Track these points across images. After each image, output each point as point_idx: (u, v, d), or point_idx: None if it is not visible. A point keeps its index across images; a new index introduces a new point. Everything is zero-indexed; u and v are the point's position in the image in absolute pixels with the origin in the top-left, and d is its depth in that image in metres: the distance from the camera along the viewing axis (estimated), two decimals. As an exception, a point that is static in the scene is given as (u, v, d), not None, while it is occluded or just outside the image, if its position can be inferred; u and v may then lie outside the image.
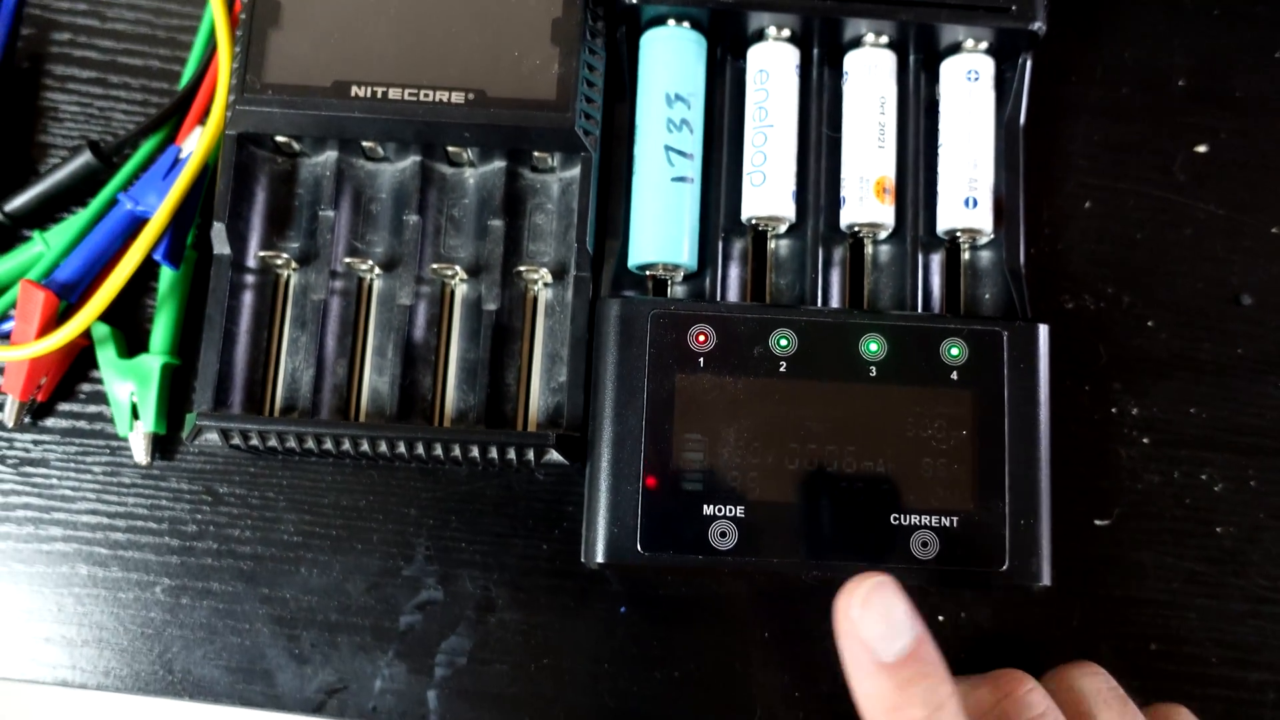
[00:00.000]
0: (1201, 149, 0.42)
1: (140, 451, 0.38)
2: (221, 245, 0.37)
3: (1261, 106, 0.42)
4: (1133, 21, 0.43)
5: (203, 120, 0.40)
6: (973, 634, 0.38)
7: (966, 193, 0.37)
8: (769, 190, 0.37)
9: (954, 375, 0.35)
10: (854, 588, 0.29)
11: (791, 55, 0.38)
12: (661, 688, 0.38)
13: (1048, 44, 0.39)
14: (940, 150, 0.38)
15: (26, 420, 0.39)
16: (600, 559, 0.34)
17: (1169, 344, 0.40)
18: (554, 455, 0.36)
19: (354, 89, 0.36)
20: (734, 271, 0.38)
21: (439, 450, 0.36)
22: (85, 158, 0.39)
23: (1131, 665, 0.38)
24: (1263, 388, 0.40)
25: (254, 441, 0.36)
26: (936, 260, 0.38)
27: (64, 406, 0.39)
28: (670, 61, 0.38)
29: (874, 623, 0.29)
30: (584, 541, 0.35)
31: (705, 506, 0.34)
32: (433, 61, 0.37)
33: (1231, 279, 0.41)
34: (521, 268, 0.38)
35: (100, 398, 0.39)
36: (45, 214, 0.40)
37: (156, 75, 0.42)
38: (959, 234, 0.38)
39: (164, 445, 0.39)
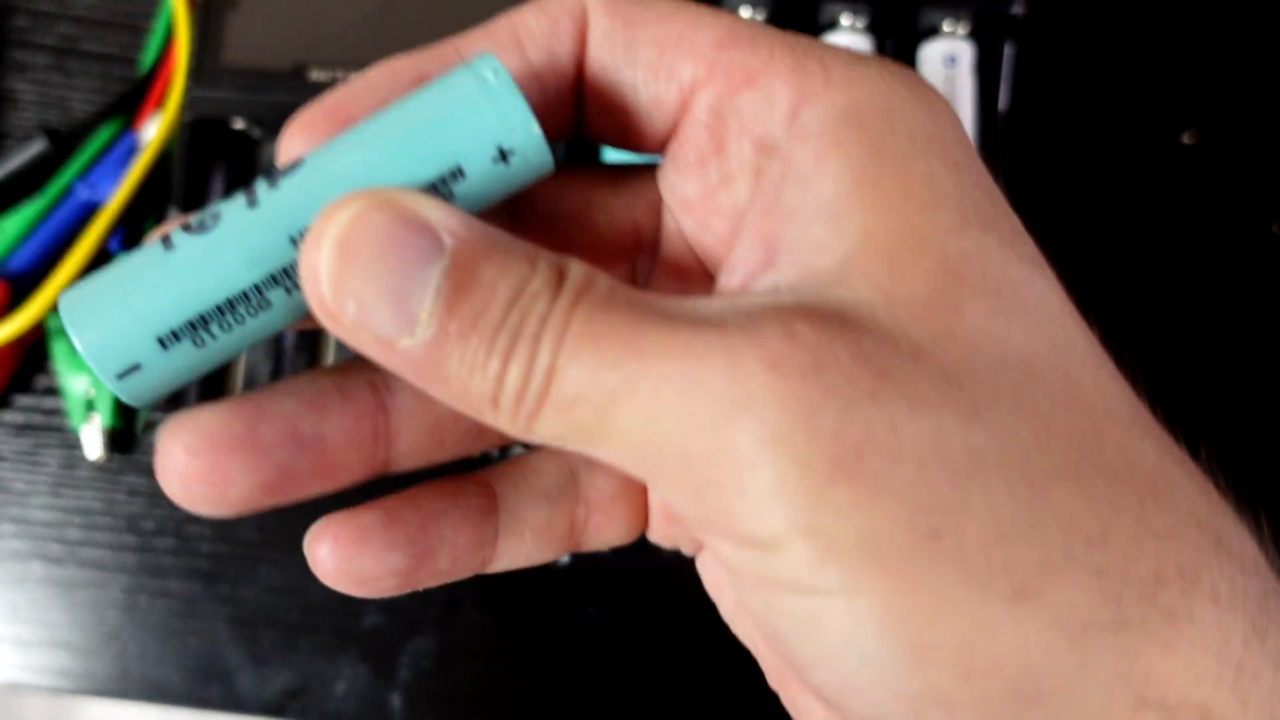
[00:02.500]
0: (1186, 140, 0.41)
1: (95, 446, 0.37)
2: (177, 234, 0.36)
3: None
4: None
5: (160, 106, 0.39)
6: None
7: (945, 181, 0.36)
8: (741, 178, 0.36)
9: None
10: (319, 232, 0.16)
11: (765, 39, 0.37)
12: (629, 689, 0.37)
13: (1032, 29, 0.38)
14: (918, 137, 0.37)
15: (-21, 414, 0.38)
16: (566, 559, 0.33)
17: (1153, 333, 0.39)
18: (519, 450, 0.35)
19: (312, 73, 0.35)
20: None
21: (401, 445, 0.35)
22: (40, 145, 0.38)
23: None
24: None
25: (210, 436, 0.35)
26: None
27: (18, 400, 0.38)
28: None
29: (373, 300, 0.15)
30: (548, 539, 0.34)
31: (672, 503, 0.33)
32: (393, 44, 0.35)
33: (1225, 279, 0.40)
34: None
35: (55, 391, 0.38)
36: (-1, 202, 0.39)
37: (115, 61, 0.41)
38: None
39: (121, 440, 0.38)
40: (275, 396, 0.18)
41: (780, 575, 0.15)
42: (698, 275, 0.20)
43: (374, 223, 0.15)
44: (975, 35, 0.37)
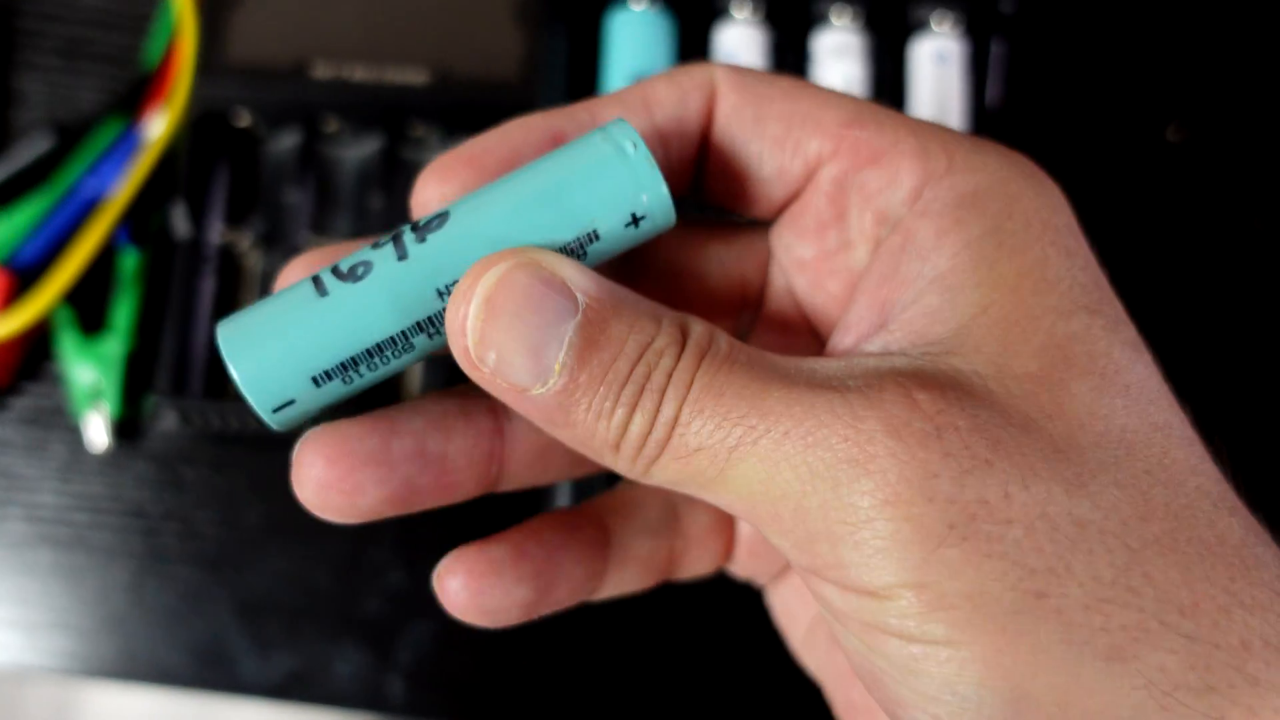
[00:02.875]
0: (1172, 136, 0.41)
1: (101, 435, 0.38)
2: (183, 226, 0.37)
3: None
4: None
5: (165, 101, 0.39)
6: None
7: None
8: (735, 172, 0.37)
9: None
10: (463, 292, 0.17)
11: (759, 36, 0.38)
12: (631, 675, 0.37)
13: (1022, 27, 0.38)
14: (909, 133, 0.38)
15: (-12, 404, 0.39)
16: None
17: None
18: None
19: (316, 68, 0.36)
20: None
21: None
22: (48, 140, 0.39)
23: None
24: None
25: (216, 425, 0.36)
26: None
27: (25, 390, 0.39)
28: (636, 42, 0.38)
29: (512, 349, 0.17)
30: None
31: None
32: (395, 40, 0.36)
33: (1212, 274, 0.40)
34: (486, 250, 0.37)
35: (62, 381, 0.39)
36: (6, 196, 0.40)
37: (121, 58, 0.42)
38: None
39: (127, 430, 0.39)
40: (406, 414, 0.20)
41: (887, 623, 0.16)
42: (801, 332, 0.22)
43: (517, 282, 0.17)
44: (965, 32, 0.38)
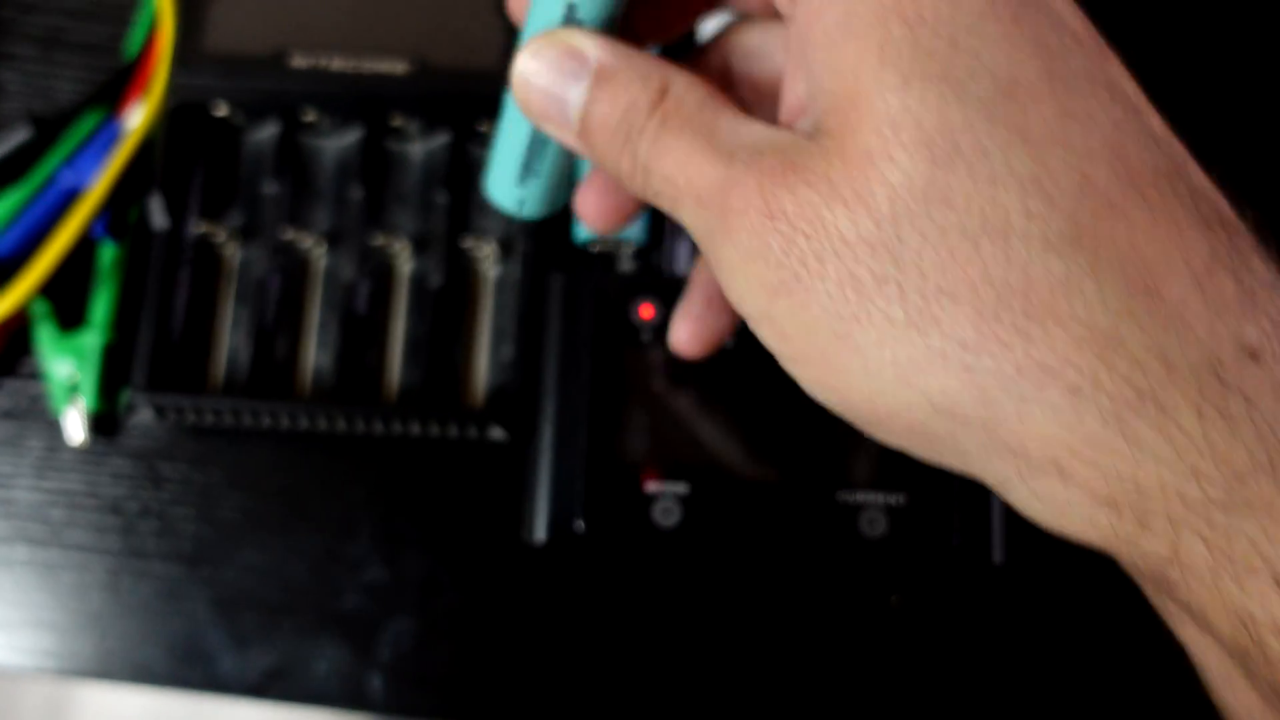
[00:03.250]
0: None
1: (79, 430, 0.37)
2: (159, 218, 0.36)
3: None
4: None
5: (144, 93, 0.39)
6: (925, 614, 0.37)
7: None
8: (718, 163, 0.37)
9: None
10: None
11: (743, 26, 0.38)
12: (610, 670, 0.37)
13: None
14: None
15: (-36, 398, 0.38)
16: (540, 536, 0.33)
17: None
18: (498, 432, 0.35)
19: (294, 59, 0.36)
20: (683, 245, 0.38)
21: (381, 428, 0.35)
22: (25, 132, 0.39)
23: (1084, 645, 0.37)
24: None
25: (192, 419, 0.35)
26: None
27: (1, 385, 0.39)
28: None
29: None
30: (525, 518, 0.34)
31: (648, 483, 0.33)
32: (374, 30, 0.36)
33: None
34: (468, 242, 0.37)
35: (39, 375, 0.39)
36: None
37: (100, 49, 0.41)
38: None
39: (105, 424, 0.38)
40: None
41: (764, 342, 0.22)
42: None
43: (544, 53, 0.22)
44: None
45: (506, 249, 0.37)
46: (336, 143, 0.38)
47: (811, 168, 0.19)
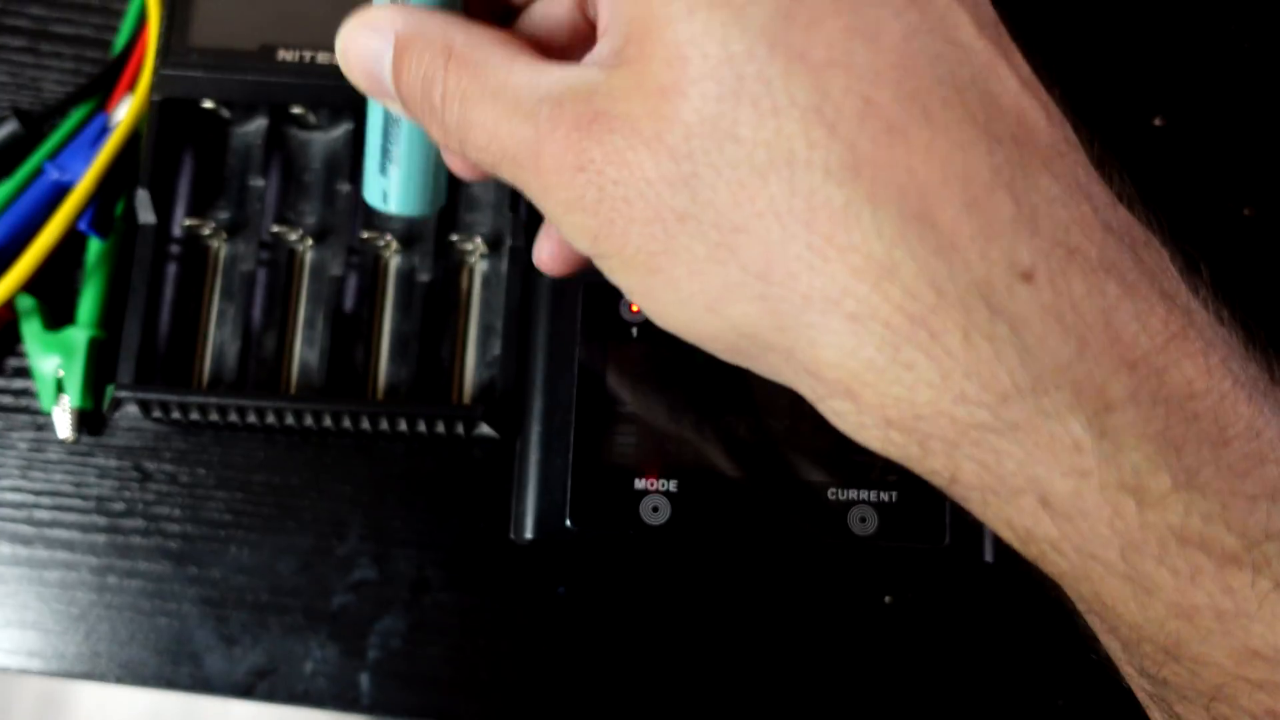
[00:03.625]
0: (1157, 122, 0.41)
1: (65, 427, 0.37)
2: (146, 213, 0.36)
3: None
4: None
5: (133, 88, 0.39)
6: (915, 612, 0.37)
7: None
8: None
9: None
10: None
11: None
12: (600, 669, 0.37)
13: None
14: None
15: (-50, 395, 0.38)
16: (529, 534, 0.33)
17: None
18: (485, 429, 0.35)
19: (281, 53, 0.35)
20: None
21: (369, 425, 0.35)
22: (11, 126, 0.38)
23: (1078, 643, 0.37)
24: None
25: (178, 415, 0.35)
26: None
27: (-12, 381, 0.38)
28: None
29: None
30: (513, 516, 0.34)
31: (637, 480, 0.33)
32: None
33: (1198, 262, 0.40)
34: (456, 238, 0.37)
35: (25, 372, 0.38)
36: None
37: (89, 43, 0.41)
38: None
39: (91, 421, 0.38)
40: None
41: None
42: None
43: (354, 31, 0.23)
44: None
45: (495, 245, 0.37)
46: (324, 137, 0.38)
47: (614, 111, 0.19)
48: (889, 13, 0.18)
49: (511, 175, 0.21)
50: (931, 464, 0.19)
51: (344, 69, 0.23)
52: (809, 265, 0.18)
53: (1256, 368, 0.19)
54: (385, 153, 0.25)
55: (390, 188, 0.25)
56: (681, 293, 0.20)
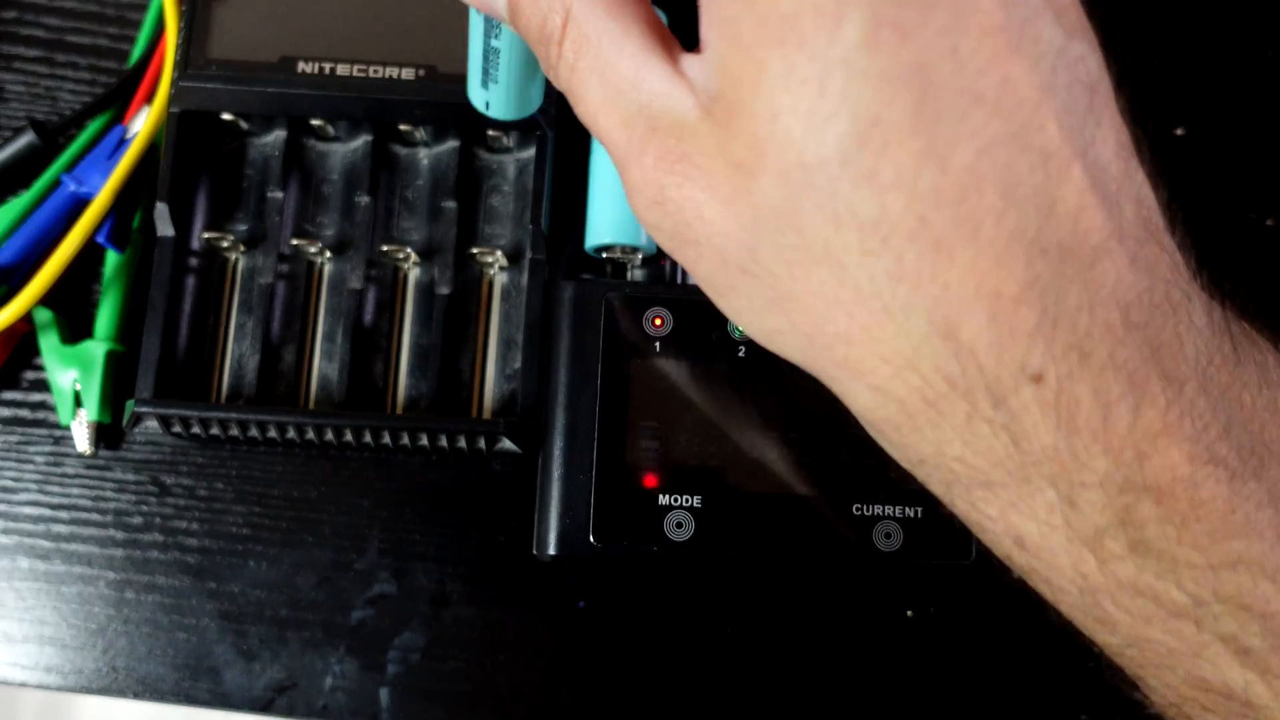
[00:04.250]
0: (1179, 132, 0.40)
1: (83, 441, 0.37)
2: (165, 226, 0.36)
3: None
4: None
5: (150, 99, 0.38)
6: (939, 628, 0.37)
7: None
8: (731, 170, 0.36)
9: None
10: None
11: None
12: (621, 684, 0.36)
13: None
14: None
15: (-33, 409, 0.38)
16: (551, 551, 0.33)
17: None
18: (507, 444, 0.35)
19: (300, 65, 0.35)
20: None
21: (389, 439, 0.35)
22: (28, 138, 0.38)
23: (1107, 662, 0.36)
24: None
25: (197, 430, 0.35)
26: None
27: (5, 395, 0.38)
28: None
29: None
30: (536, 533, 0.34)
31: (661, 497, 0.33)
32: (382, 36, 0.35)
33: (1217, 272, 0.39)
34: (476, 250, 0.37)
35: (43, 385, 0.38)
36: (-15, 196, 0.39)
37: (105, 54, 0.41)
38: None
39: (109, 435, 0.38)
40: None
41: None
42: None
43: None
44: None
45: (515, 257, 0.37)
46: (343, 149, 0.38)
47: (697, 162, 0.21)
48: (968, 130, 0.19)
49: (607, 152, 0.23)
50: (951, 505, 0.23)
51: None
52: (846, 342, 0.21)
53: (1261, 423, 0.21)
54: (486, 72, 0.27)
55: (492, 99, 0.28)
56: (741, 317, 0.23)
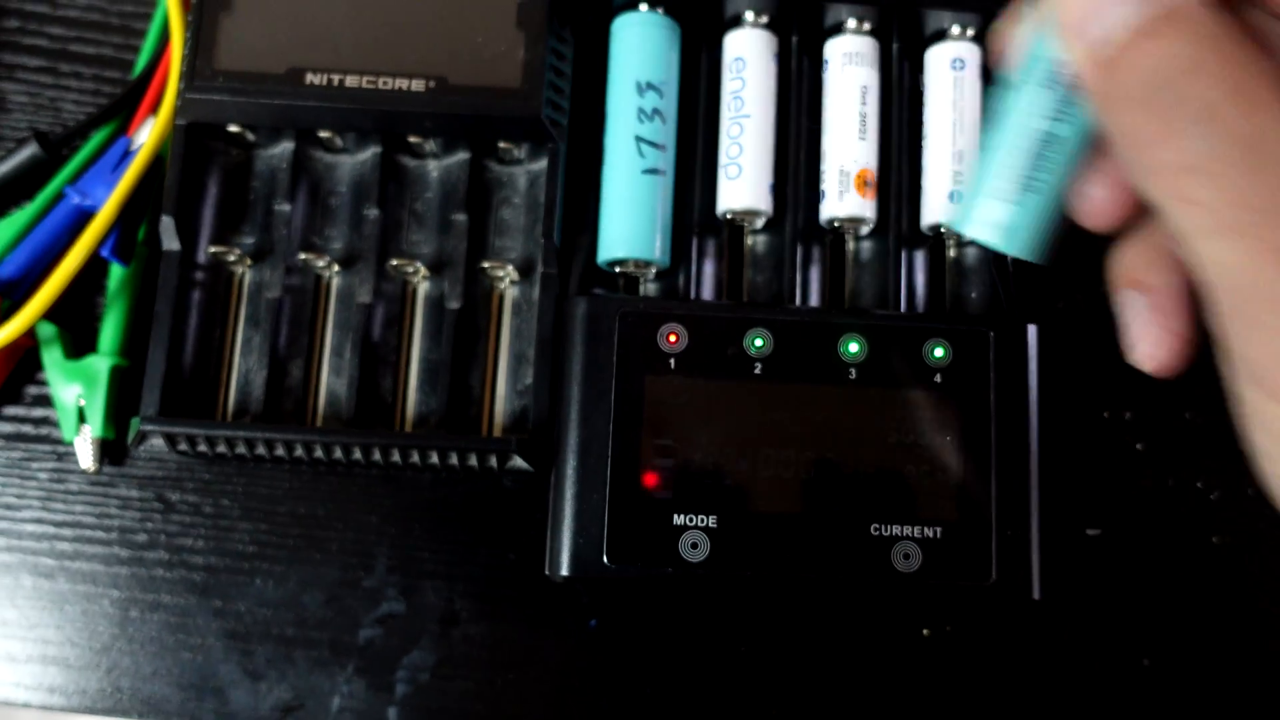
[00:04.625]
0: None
1: (87, 457, 0.36)
2: (170, 240, 0.35)
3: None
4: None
5: (155, 110, 0.38)
6: (959, 651, 0.36)
7: (951, 186, 0.36)
8: (745, 183, 0.36)
9: (938, 378, 0.33)
10: None
11: (769, 42, 0.37)
12: (633, 705, 0.36)
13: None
14: (924, 142, 0.37)
15: (-31, 424, 0.37)
16: (564, 571, 0.32)
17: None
18: (518, 461, 0.34)
19: (309, 76, 0.35)
20: (708, 268, 0.36)
21: (398, 456, 0.34)
22: (31, 150, 0.38)
23: (1125, 682, 0.36)
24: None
25: (203, 447, 0.34)
26: (920, 257, 0.37)
27: (8, 410, 0.38)
28: (641, 48, 0.36)
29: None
30: (548, 552, 0.33)
31: (675, 516, 0.32)
32: (392, 47, 0.35)
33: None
34: (486, 264, 0.36)
35: (46, 401, 0.37)
36: (-12, 208, 0.38)
37: (109, 64, 0.40)
38: (944, 230, 0.36)
39: (113, 451, 0.37)
40: None
41: None
42: None
43: None
44: (982, 37, 0.37)
45: (526, 271, 0.36)
46: (351, 161, 0.37)
47: None
48: None
49: (1209, 251, 0.18)
50: None
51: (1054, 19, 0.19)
52: None
53: None
54: (1026, 177, 0.21)
55: (1020, 221, 0.21)
56: None
